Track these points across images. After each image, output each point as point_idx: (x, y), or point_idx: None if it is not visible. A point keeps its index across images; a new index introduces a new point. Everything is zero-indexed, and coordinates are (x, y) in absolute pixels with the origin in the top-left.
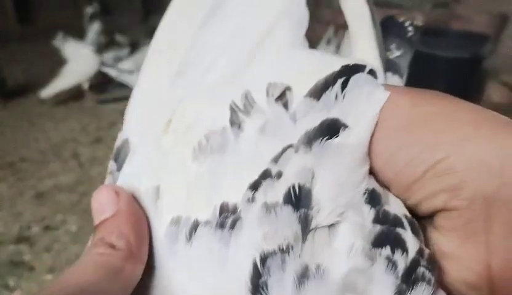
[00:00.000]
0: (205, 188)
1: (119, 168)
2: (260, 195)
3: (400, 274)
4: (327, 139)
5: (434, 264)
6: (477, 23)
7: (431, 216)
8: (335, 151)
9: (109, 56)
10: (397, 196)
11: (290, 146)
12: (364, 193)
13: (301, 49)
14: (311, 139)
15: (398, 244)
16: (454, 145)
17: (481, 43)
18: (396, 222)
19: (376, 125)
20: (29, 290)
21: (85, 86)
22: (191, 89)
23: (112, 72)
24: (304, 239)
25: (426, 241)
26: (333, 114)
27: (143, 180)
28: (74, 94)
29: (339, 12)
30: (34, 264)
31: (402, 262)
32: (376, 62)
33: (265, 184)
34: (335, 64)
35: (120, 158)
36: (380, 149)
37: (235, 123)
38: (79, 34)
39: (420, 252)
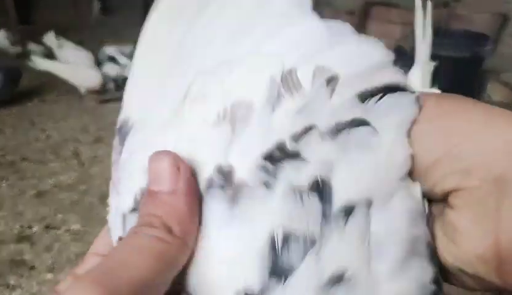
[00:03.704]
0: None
1: (121, 143)
2: (283, 172)
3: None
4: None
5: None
6: (477, 23)
7: (444, 199)
8: (358, 145)
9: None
10: (414, 180)
11: (311, 128)
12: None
13: (348, 33)
14: (339, 129)
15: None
16: (466, 135)
17: (481, 43)
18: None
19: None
20: (29, 289)
21: (82, 90)
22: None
23: (113, 68)
24: (323, 235)
25: (443, 221)
26: (366, 117)
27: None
28: (75, 94)
29: None
30: (34, 263)
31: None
32: None
33: (289, 162)
34: (381, 56)
35: (121, 135)
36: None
37: (272, 97)
38: (79, 34)
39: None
